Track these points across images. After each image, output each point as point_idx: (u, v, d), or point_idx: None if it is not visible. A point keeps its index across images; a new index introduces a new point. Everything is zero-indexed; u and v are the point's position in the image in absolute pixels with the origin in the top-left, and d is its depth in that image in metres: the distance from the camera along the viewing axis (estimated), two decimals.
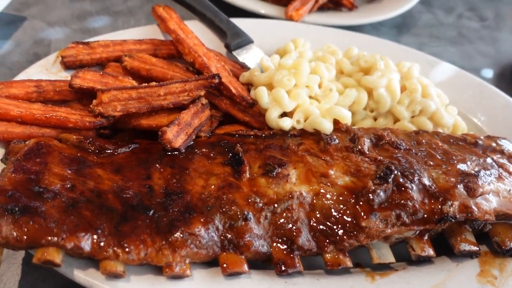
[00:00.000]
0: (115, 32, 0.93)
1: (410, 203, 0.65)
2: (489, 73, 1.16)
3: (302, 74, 0.80)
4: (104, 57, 0.88)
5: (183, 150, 0.71)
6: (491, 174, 0.70)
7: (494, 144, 0.79)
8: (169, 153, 0.71)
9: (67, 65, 0.86)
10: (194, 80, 0.78)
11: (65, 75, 0.85)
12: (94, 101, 0.74)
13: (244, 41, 0.95)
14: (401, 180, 0.67)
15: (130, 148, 0.73)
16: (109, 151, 0.72)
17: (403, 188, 0.66)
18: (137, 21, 1.14)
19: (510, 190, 0.69)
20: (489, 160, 0.74)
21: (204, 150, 0.72)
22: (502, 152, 0.77)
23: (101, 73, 0.80)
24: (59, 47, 1.04)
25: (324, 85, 0.84)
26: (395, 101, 0.84)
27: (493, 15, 1.36)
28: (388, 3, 1.21)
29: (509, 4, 1.41)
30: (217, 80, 0.78)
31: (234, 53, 0.94)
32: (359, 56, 0.91)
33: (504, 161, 0.75)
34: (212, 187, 0.66)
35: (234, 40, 0.94)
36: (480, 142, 0.78)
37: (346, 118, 0.77)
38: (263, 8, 1.11)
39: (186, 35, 0.90)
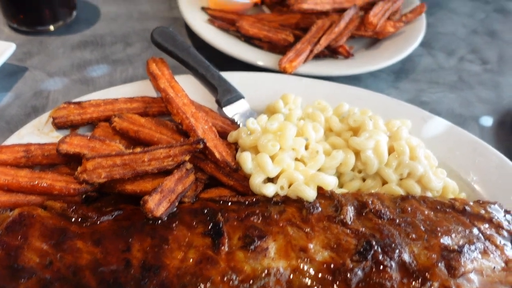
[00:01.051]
0: (109, 89, 0.95)
1: (389, 284, 0.64)
2: (488, 121, 1.14)
3: (288, 138, 0.80)
4: (95, 117, 0.90)
5: (165, 219, 0.72)
6: (475, 248, 0.69)
7: (483, 211, 0.77)
8: (151, 221, 0.72)
9: (58, 126, 0.88)
10: (179, 145, 0.79)
11: (57, 135, 0.87)
12: (79, 168, 0.76)
13: (234, 97, 0.95)
14: (380, 257, 0.66)
15: (113, 216, 0.74)
16: (92, 219, 0.73)
17: (382, 267, 0.65)
18: (135, 69, 1.16)
19: (494, 267, 0.68)
20: (475, 231, 0.72)
21: (186, 218, 0.73)
22: (490, 220, 0.75)
23: (88, 137, 0.81)
24: (57, 98, 1.06)
25: (311, 147, 0.84)
26: (382, 164, 0.83)
27: (496, 57, 1.34)
28: (386, 49, 1.21)
29: (509, 43, 1.38)
30: (201, 146, 0.79)
31: (224, 109, 0.95)
32: (349, 114, 0.91)
33: (491, 232, 0.73)
34: (190, 260, 0.67)
35: (225, 97, 0.95)
36: (469, 209, 0.77)
37: (330, 185, 0.77)
38: (258, 58, 1.11)
39: (176, 93, 0.91)
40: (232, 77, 1.00)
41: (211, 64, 0.99)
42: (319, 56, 1.15)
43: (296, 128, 0.82)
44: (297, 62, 1.07)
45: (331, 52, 1.17)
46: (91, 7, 1.33)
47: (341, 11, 1.22)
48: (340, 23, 1.15)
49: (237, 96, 0.95)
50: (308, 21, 1.21)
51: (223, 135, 0.91)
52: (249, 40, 1.18)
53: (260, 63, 1.09)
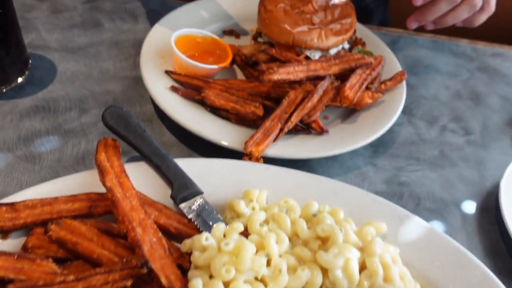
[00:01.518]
0: (53, 181, 0.84)
1: None
2: (471, 207, 1.06)
3: (245, 260, 0.70)
4: (30, 222, 0.78)
5: None
6: None
7: None
8: None
9: None
10: (119, 269, 0.69)
11: None
12: None
13: (192, 193, 0.85)
14: None
15: None
16: None
17: None
18: (88, 143, 1.05)
19: None
20: None
21: None
22: None
23: (16, 256, 0.71)
24: None
25: (273, 263, 0.74)
26: (353, 285, 0.74)
27: (480, 126, 1.27)
28: (364, 122, 1.12)
29: (498, 112, 1.31)
30: (145, 270, 0.69)
31: (181, 206, 0.85)
32: (318, 217, 0.82)
33: None
34: None
35: (181, 193, 0.85)
36: None
37: None
38: (222, 134, 1.02)
39: (124, 193, 0.81)
40: (191, 166, 0.90)
41: (169, 153, 0.90)
42: (290, 131, 1.06)
43: (254, 247, 0.73)
44: (265, 144, 0.97)
45: (304, 127, 1.08)
46: (47, 64, 1.23)
47: (315, 78, 1.13)
48: (313, 97, 1.06)
49: (195, 192, 0.85)
50: (280, 91, 1.12)
51: (178, 236, 0.82)
52: (216, 111, 1.09)
53: (224, 143, 1.00)
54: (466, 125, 1.26)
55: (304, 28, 1.20)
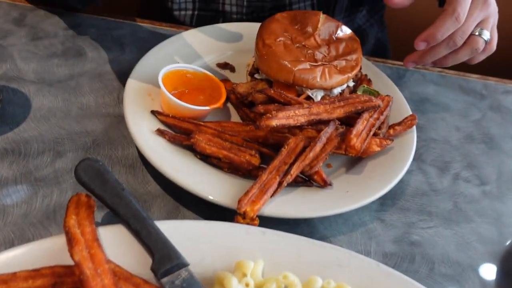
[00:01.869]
0: (12, 249, 0.72)
1: None
2: (491, 271, 0.95)
3: None
4: None
5: None
6: None
7: None
8: None
9: None
10: None
11: None
12: None
13: (175, 266, 0.73)
14: None
15: None
16: None
17: None
18: (61, 193, 0.93)
19: None
20: None
21: None
22: None
23: None
24: None
25: None
26: None
27: (495, 174, 1.16)
28: (371, 173, 1.01)
29: (509, 154, 1.21)
30: None
31: (163, 281, 0.73)
32: None
33: None
34: None
35: (163, 265, 0.73)
36: None
37: None
38: (212, 187, 0.90)
39: (96, 269, 0.68)
40: (175, 229, 0.78)
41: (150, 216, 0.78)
42: (289, 183, 0.95)
43: None
44: (261, 202, 0.86)
45: (305, 178, 0.97)
46: (21, 98, 1.11)
47: (318, 123, 1.02)
48: (316, 146, 0.94)
49: (179, 264, 0.73)
50: (279, 136, 1.00)
51: None
52: (206, 158, 0.98)
53: (214, 199, 0.88)
54: (481, 173, 1.16)
55: (306, 65, 1.09)
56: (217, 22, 1.33)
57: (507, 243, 1.00)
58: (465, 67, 1.52)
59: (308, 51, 1.13)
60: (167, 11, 1.46)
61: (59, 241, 0.73)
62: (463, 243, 0.99)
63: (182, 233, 0.78)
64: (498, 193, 1.11)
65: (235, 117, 1.14)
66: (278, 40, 1.12)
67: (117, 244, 0.75)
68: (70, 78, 1.18)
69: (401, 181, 1.06)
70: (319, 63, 1.11)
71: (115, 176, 0.79)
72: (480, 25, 1.11)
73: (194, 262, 0.75)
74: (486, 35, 1.12)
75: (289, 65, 1.08)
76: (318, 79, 1.08)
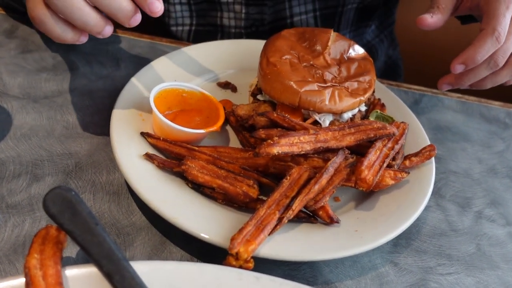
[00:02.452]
0: None
1: None
2: None
3: None
4: None
5: None
6: None
7: None
8: None
9: None
10: None
11: None
12: None
13: None
14: None
15: None
16: None
17: None
18: (34, 222, 0.83)
19: None
20: None
21: None
22: None
23: None
24: None
25: None
26: None
27: None
28: (384, 210, 0.89)
29: None
30: None
31: None
32: None
33: None
34: None
35: None
36: None
37: None
38: (203, 221, 0.80)
39: None
40: (155, 272, 0.67)
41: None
42: (292, 220, 0.84)
43: None
44: (257, 242, 0.75)
45: (308, 214, 0.86)
46: (2, 115, 1.02)
47: (325, 151, 0.92)
48: (322, 178, 0.84)
49: None
50: (281, 165, 0.90)
51: None
52: (199, 187, 0.88)
53: (201, 235, 0.77)
54: (506, 211, 1.04)
55: (314, 86, 0.98)
56: (215, 38, 1.24)
57: None
58: (485, 93, 1.41)
59: (317, 71, 1.03)
60: (164, 27, 1.39)
61: (17, 284, 0.63)
62: None
63: (163, 277, 0.67)
64: None
65: (234, 142, 1.03)
66: (283, 58, 1.03)
67: None
68: (58, 94, 1.10)
69: (417, 219, 0.94)
70: (329, 84, 1.01)
71: (89, 209, 0.68)
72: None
73: None
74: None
75: (295, 86, 0.98)
76: (327, 102, 0.98)
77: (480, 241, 0.96)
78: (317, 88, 0.99)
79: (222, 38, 1.39)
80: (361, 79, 1.04)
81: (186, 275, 0.68)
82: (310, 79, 1.00)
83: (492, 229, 0.99)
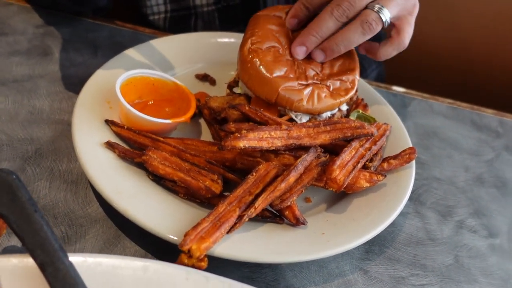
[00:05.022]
0: None
1: None
2: None
3: None
4: None
5: None
6: None
7: None
8: None
9: None
10: None
11: None
12: None
13: None
14: None
15: None
16: None
17: None
18: None
19: None
20: None
21: None
22: None
23: None
24: None
25: None
26: None
27: (507, 226, 0.98)
28: (357, 213, 0.84)
29: None
30: None
31: None
32: None
33: None
34: None
35: None
36: None
37: None
38: (158, 218, 0.75)
39: None
40: (96, 267, 0.63)
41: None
42: (254, 217, 0.79)
43: None
44: (212, 240, 0.70)
45: (274, 213, 0.81)
46: None
47: (298, 149, 0.87)
48: (289, 176, 0.79)
49: None
50: (249, 161, 0.85)
51: None
52: (160, 180, 0.83)
53: (153, 228, 0.72)
54: (490, 223, 0.98)
55: (294, 84, 0.92)
56: (190, 23, 1.19)
57: None
58: (479, 101, 1.36)
59: (300, 67, 0.97)
60: (145, 18, 1.35)
61: None
62: None
63: (103, 272, 0.62)
64: (509, 249, 0.93)
65: (206, 136, 0.99)
66: (267, 45, 0.96)
67: (16, 281, 0.60)
68: (28, 78, 1.05)
69: (393, 225, 0.89)
70: (310, 81, 0.95)
71: (30, 195, 0.63)
72: (383, 2, 0.90)
73: None
74: (385, 14, 0.90)
75: (275, 81, 0.92)
76: (305, 103, 0.92)
77: (459, 252, 0.90)
78: (297, 87, 0.93)
79: (196, 21, 1.32)
80: (344, 78, 0.99)
81: (128, 271, 0.63)
82: (291, 75, 0.94)
83: (473, 240, 0.93)
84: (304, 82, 0.95)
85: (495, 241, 0.94)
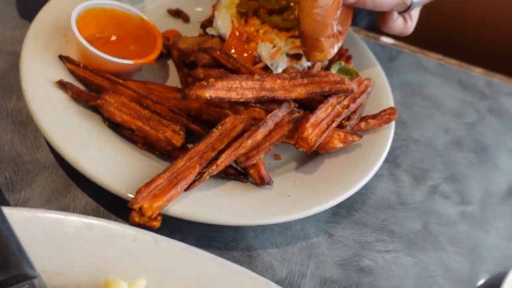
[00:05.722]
0: None
1: None
2: None
3: None
4: None
5: None
6: None
7: None
8: None
9: None
10: None
11: None
12: None
13: (13, 278, 0.51)
14: None
15: None
16: None
17: None
18: None
19: None
20: None
21: None
22: None
23: None
24: None
25: None
26: None
27: (481, 193, 0.95)
28: (327, 174, 0.79)
29: (507, 175, 1.01)
30: None
31: None
32: None
33: None
34: None
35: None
36: None
37: None
38: (107, 174, 0.69)
39: None
40: (36, 222, 0.57)
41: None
42: (217, 174, 0.73)
43: None
44: (165, 199, 0.64)
45: (239, 171, 0.76)
46: None
47: (271, 101, 0.80)
48: (257, 132, 0.72)
49: (19, 277, 0.52)
50: (216, 112, 0.78)
51: None
52: (117, 127, 0.76)
53: (103, 182, 0.66)
54: (464, 189, 0.95)
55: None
56: None
57: (479, 283, 0.81)
58: (468, 57, 1.29)
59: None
60: None
61: None
62: (425, 277, 0.79)
63: (43, 228, 0.57)
64: (480, 218, 0.90)
65: (174, 80, 0.91)
66: None
67: None
68: None
69: (365, 187, 0.84)
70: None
71: None
72: None
73: (50, 271, 0.55)
74: None
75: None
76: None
77: (429, 218, 0.87)
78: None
79: None
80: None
81: (70, 229, 0.57)
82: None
83: (445, 207, 0.90)
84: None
85: (467, 209, 0.91)
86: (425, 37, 1.33)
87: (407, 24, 0.95)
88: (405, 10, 0.90)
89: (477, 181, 0.97)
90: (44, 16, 0.84)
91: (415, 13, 0.95)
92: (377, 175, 0.89)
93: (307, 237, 0.78)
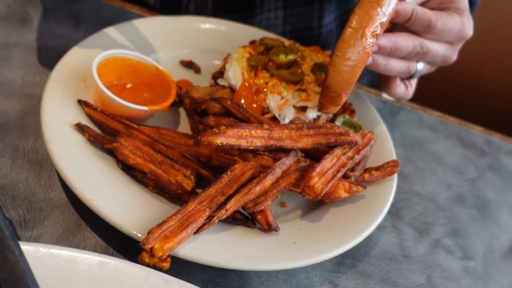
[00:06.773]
0: None
1: None
2: None
3: None
4: None
5: None
6: None
7: None
8: None
9: None
10: None
11: None
12: None
13: None
14: None
15: None
16: None
17: None
18: None
19: None
20: None
21: None
22: None
23: None
24: None
25: None
26: None
27: (483, 249, 0.96)
28: (332, 223, 0.81)
29: (509, 231, 1.02)
30: None
31: None
32: None
33: None
34: None
35: None
36: None
37: None
38: (121, 211, 0.71)
39: None
40: (49, 259, 0.58)
41: None
42: (225, 219, 0.75)
43: None
44: (177, 240, 0.65)
45: (246, 216, 0.77)
46: None
47: (278, 150, 0.83)
48: (265, 179, 0.75)
49: None
50: (226, 159, 0.81)
51: None
52: (130, 170, 0.78)
53: (115, 222, 0.67)
54: (466, 244, 0.96)
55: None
56: (182, 3, 1.14)
57: None
58: (467, 116, 1.34)
59: None
60: None
61: None
62: None
63: (58, 265, 0.58)
64: (483, 273, 0.91)
65: (185, 126, 0.94)
66: None
67: None
68: (2, 46, 0.99)
69: (368, 238, 0.86)
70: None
71: None
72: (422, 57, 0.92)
73: None
74: (419, 66, 0.95)
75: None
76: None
77: (432, 272, 0.88)
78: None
79: (189, 3, 1.26)
80: None
81: (84, 266, 0.59)
82: None
83: (448, 261, 0.91)
84: None
85: (470, 264, 0.92)
86: (425, 94, 1.38)
87: (408, 90, 1.02)
88: (408, 78, 0.96)
89: (480, 237, 0.98)
90: (65, 63, 0.89)
91: (414, 81, 1.03)
92: (379, 227, 0.90)
93: (312, 286, 0.78)
